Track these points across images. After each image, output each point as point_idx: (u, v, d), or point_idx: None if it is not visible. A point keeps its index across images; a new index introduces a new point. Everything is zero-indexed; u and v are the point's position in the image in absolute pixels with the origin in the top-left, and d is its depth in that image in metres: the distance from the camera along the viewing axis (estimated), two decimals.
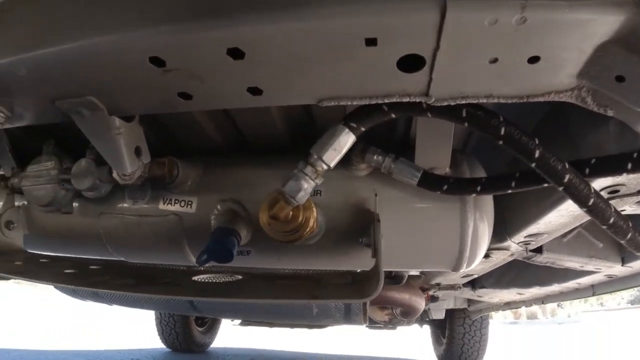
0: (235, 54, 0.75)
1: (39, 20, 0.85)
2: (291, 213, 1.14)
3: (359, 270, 1.39)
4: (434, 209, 1.33)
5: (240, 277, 1.19)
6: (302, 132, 1.46)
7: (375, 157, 1.24)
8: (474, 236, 1.34)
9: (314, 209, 1.17)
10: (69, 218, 1.54)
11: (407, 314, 2.97)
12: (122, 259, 1.57)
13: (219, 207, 1.35)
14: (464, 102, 0.89)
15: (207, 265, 1.28)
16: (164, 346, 5.57)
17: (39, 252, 1.69)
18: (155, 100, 0.93)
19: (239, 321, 4.75)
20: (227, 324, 6.37)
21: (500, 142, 0.98)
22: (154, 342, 5.57)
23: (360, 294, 0.93)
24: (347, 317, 2.15)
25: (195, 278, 1.17)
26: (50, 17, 0.83)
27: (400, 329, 5.78)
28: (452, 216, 1.32)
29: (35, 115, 1.08)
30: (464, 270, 1.45)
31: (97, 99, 0.93)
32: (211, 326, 6.02)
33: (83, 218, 1.51)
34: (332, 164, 1.06)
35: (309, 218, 1.15)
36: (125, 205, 1.44)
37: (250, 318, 3.66)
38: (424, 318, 5.20)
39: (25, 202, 1.67)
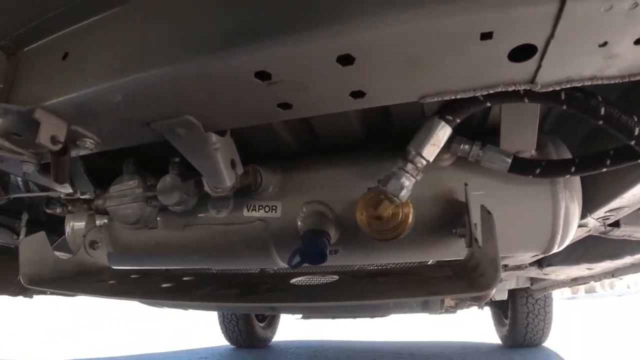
0: (345, 60, 0.74)
1: (139, 41, 0.85)
2: (391, 211, 1.13)
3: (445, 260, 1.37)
4: (524, 194, 1.29)
5: (336, 277, 1.18)
6: (377, 128, 1.45)
7: (461, 146, 1.21)
8: (565, 217, 1.30)
9: (410, 205, 1.16)
10: (153, 232, 1.57)
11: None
12: (207, 267, 1.60)
13: (304, 209, 1.35)
14: (567, 86, 0.87)
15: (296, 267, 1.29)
16: (228, 343, 5.74)
17: (124, 268, 1.74)
18: (254, 113, 0.92)
19: (300, 315, 4.81)
20: (286, 318, 6.49)
21: (600, 122, 0.96)
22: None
23: (479, 287, 0.91)
24: (425, 305, 2.15)
25: (293, 281, 1.18)
26: (151, 38, 0.84)
27: (460, 312, 5.71)
28: (544, 199, 1.28)
29: (126, 139, 1.10)
30: (555, 251, 1.41)
31: (193, 117, 0.93)
32: (271, 321, 6.15)
33: (167, 231, 1.54)
34: (431, 159, 1.05)
35: (408, 214, 1.14)
36: (209, 215, 1.46)
37: (328, 314, 3.68)
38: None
39: (106, 221, 1.72)
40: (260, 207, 1.40)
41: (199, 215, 1.48)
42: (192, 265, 1.61)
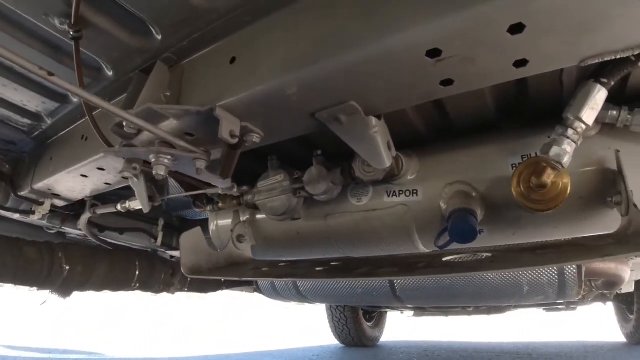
0: (516, 29, 0.77)
1: (313, 35, 0.93)
2: (552, 179, 1.13)
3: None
4: None
5: (489, 254, 1.20)
6: (510, 105, 1.44)
7: (609, 112, 1.19)
8: None
9: (569, 176, 1.15)
10: (294, 224, 1.68)
11: (611, 286, 2.73)
12: (347, 255, 1.68)
13: (446, 190, 1.38)
14: None
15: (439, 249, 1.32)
16: (338, 342, 5.86)
17: (267, 259, 1.88)
18: (415, 93, 0.97)
19: (411, 313, 4.80)
20: (394, 317, 6.49)
21: None
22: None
23: None
24: (561, 291, 2.07)
25: (445, 259, 1.21)
26: (324, 31, 0.91)
27: (580, 310, 5.35)
28: None
29: (288, 132, 1.20)
30: None
31: (356, 103, 1.00)
32: (379, 320, 6.20)
33: (309, 222, 1.65)
34: (591, 123, 1.05)
35: (567, 185, 1.13)
36: (350, 203, 1.54)
37: (451, 304, 3.64)
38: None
39: (249, 216, 1.86)
40: (401, 192, 1.45)
41: (341, 205, 1.56)
42: (333, 254, 1.69)
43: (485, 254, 1.21)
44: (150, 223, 2.81)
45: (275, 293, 2.79)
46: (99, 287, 2.45)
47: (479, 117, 1.46)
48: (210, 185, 1.60)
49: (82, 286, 2.37)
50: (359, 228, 1.53)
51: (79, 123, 1.67)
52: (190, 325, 9.16)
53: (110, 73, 1.38)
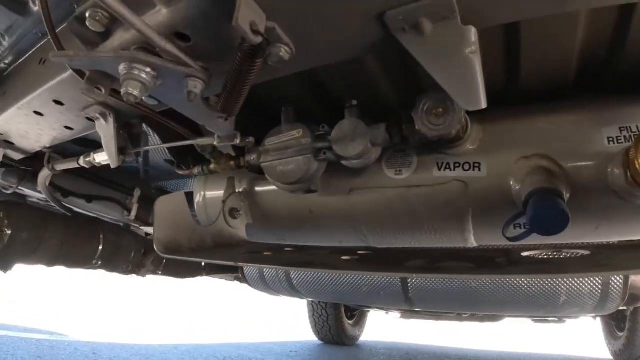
0: None
1: None
2: None
3: None
4: None
5: (587, 252, 0.86)
6: (594, 67, 1.10)
7: None
8: None
9: None
10: (307, 199, 1.31)
11: (636, 300, 2.46)
12: (369, 244, 1.31)
13: (520, 165, 1.04)
14: None
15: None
16: (316, 339, 5.57)
17: (264, 242, 1.50)
18: None
19: (398, 314, 4.50)
20: (374, 317, 6.21)
21: None
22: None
23: None
24: (601, 304, 1.77)
25: (524, 254, 0.88)
26: None
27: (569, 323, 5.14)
28: None
29: (332, 49, 0.82)
30: None
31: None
32: (360, 319, 5.96)
33: (327, 197, 1.27)
34: None
35: None
36: (386, 176, 1.18)
37: (470, 310, 3.28)
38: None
39: (246, 186, 1.49)
40: (457, 165, 1.10)
41: (373, 177, 1.20)
42: (349, 242, 1.32)
43: (580, 251, 0.88)
44: (124, 193, 2.40)
45: (263, 284, 2.41)
46: (49, 261, 1.97)
47: (553, 77, 1.12)
48: (199, 134, 1.22)
49: (28, 257, 1.88)
50: (392, 208, 1.17)
51: (39, 45, 1.28)
52: (161, 312, 8.72)
53: None
